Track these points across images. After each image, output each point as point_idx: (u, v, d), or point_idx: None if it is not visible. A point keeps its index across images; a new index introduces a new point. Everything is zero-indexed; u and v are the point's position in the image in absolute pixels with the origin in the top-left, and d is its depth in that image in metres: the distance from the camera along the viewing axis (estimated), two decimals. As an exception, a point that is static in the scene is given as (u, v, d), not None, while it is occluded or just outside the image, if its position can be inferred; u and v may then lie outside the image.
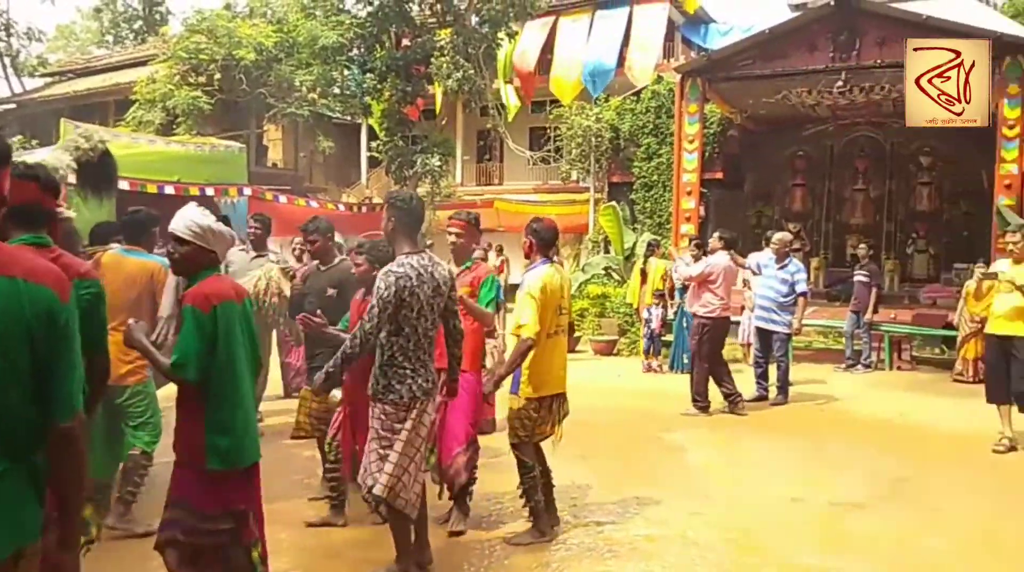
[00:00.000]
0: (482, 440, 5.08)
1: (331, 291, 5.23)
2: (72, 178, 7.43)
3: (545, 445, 6.48)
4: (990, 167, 12.13)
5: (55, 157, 6.79)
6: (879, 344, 11.21)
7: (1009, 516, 5.11)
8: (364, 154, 25.08)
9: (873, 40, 12.13)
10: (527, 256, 4.67)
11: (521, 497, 4.64)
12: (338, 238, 6.15)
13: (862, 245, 12.08)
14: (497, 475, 5.28)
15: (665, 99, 17.03)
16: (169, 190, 15.63)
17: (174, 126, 19.26)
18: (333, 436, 4.69)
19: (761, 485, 5.72)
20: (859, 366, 10.79)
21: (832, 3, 12.32)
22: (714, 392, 8.11)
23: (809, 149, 17.07)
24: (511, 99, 22.86)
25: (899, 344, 11.27)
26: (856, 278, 11.35)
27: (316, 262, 5.54)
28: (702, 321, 8.07)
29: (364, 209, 18.37)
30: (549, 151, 22.44)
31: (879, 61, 12.19)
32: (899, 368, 11.02)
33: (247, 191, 17.37)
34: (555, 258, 4.74)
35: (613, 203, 15.59)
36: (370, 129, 23.53)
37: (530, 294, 4.36)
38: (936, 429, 7.46)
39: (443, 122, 22.71)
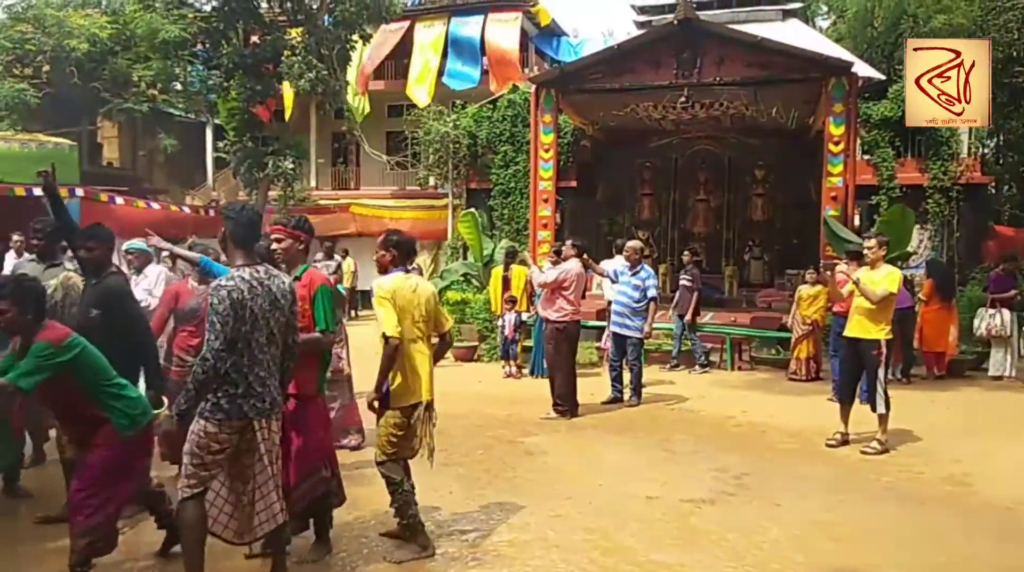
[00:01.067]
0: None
1: (94, 311, 4.78)
2: None
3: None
4: (817, 181, 13.14)
5: None
6: (721, 345, 11.86)
7: (843, 505, 5.52)
8: (210, 154, 24.00)
9: (713, 59, 12.84)
10: (384, 269, 4.57)
11: (395, 516, 4.51)
12: (195, 239, 5.85)
13: (686, 252, 12.76)
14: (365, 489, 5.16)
15: (521, 108, 17.35)
16: (-14, 191, 14.40)
17: (-4, 122, 17.69)
18: None
19: (619, 485, 5.90)
20: (696, 367, 11.34)
21: (676, 23, 12.95)
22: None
23: (656, 160, 17.88)
24: (358, 101, 22.58)
25: (739, 345, 11.96)
26: (681, 282, 11.96)
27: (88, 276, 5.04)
28: (555, 326, 8.25)
29: (211, 212, 17.57)
30: (406, 156, 22.30)
31: (718, 79, 12.92)
32: (740, 368, 11.70)
33: (79, 192, 16.26)
34: (411, 267, 4.72)
35: (472, 210, 15.68)
36: (216, 128, 22.56)
37: (380, 297, 4.36)
38: (774, 425, 7.96)
39: (293, 124, 22.08)
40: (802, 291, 10.81)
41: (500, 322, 11.24)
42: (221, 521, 3.72)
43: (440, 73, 22.82)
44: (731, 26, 14.03)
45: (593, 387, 9.25)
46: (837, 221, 12.02)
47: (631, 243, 9.22)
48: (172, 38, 17.01)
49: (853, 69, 12.59)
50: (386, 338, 4.26)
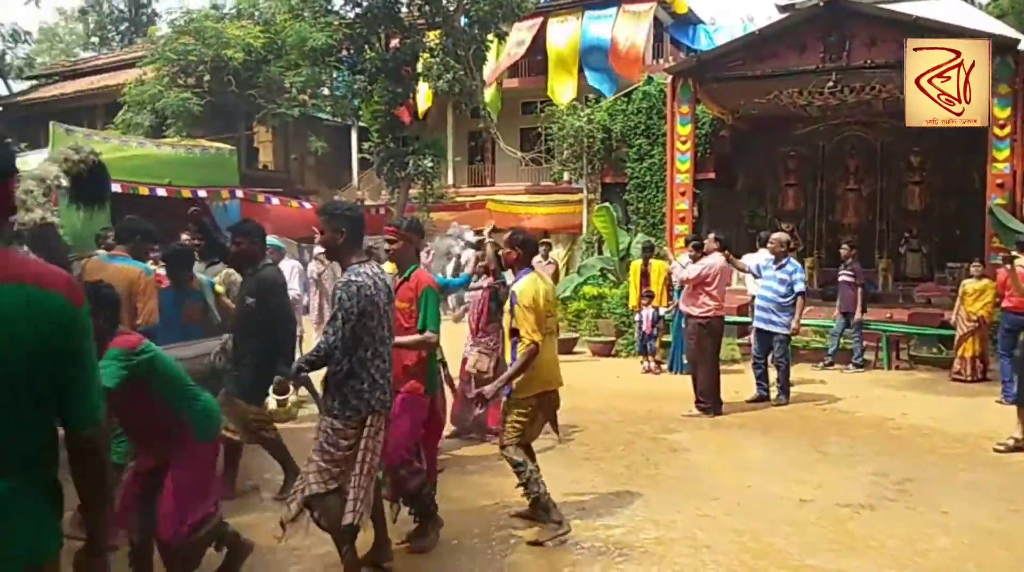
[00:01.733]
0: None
1: (249, 300, 5.01)
2: (64, 183, 7.36)
3: (546, 442, 6.52)
4: (981, 166, 12.20)
5: (44, 169, 6.70)
6: (877, 343, 11.24)
7: (1017, 516, 5.11)
8: (355, 156, 25.02)
9: (863, 41, 12.18)
10: (510, 266, 4.83)
11: (524, 496, 4.65)
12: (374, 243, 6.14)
13: (844, 245, 12.08)
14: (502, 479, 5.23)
15: (656, 100, 17.05)
16: (161, 192, 15.64)
17: (164, 128, 19.12)
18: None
19: (768, 486, 5.70)
20: (850, 366, 10.80)
21: (821, 4, 12.36)
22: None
23: (801, 148, 17.13)
24: (489, 95, 22.83)
25: (897, 343, 11.29)
26: (841, 278, 11.35)
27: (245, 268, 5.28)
28: (699, 321, 8.07)
29: (356, 211, 18.28)
30: (540, 152, 22.43)
31: (869, 61, 12.25)
32: (897, 367, 11.05)
33: (239, 193, 17.39)
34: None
35: (607, 204, 15.58)
36: (361, 130, 23.47)
37: (524, 306, 4.52)
38: (938, 428, 7.47)
39: (431, 123, 22.62)
40: (967, 285, 10.05)
41: (638, 317, 11.12)
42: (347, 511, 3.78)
43: (579, 69, 22.77)
44: (881, 6, 13.24)
45: (737, 384, 8.98)
46: (1004, 210, 11.12)
47: (776, 235, 8.89)
48: (319, 45, 17.82)
49: (1020, 47, 11.60)
50: (526, 342, 4.47)
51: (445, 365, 5.49)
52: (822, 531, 4.82)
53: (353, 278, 3.68)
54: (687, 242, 9.89)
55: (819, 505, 5.27)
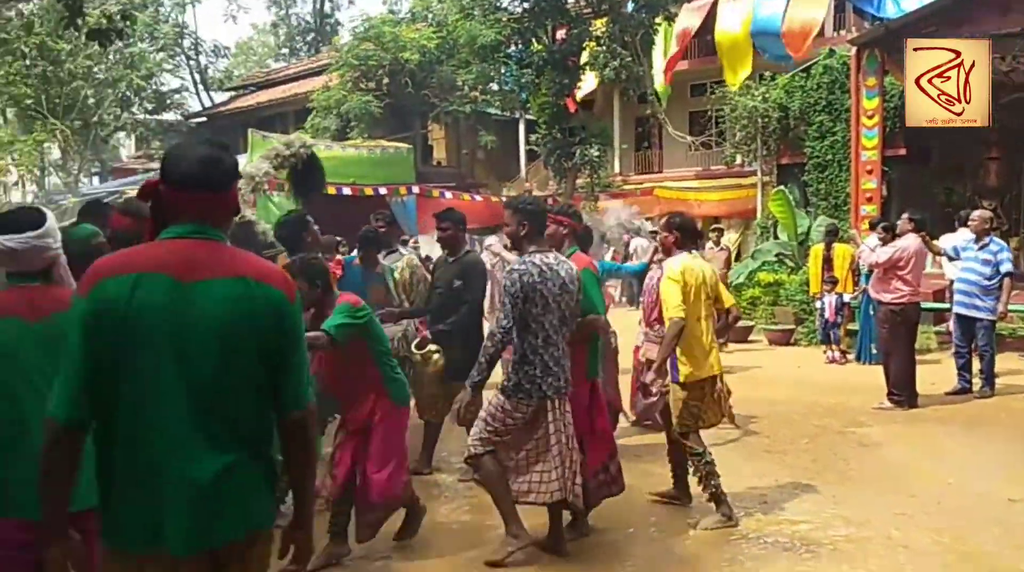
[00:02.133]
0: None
1: (457, 282, 5.39)
2: (267, 186, 7.99)
3: (724, 434, 6.40)
4: None
5: (255, 166, 7.32)
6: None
7: None
8: (523, 148, 25.44)
9: (1076, -2, 10.92)
10: (668, 250, 4.75)
11: (699, 485, 4.64)
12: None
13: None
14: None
15: (838, 73, 16.05)
16: (346, 191, 16.65)
17: (348, 130, 20.31)
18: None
19: (971, 484, 5.30)
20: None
21: (1029, -41, 11.20)
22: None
23: (1005, 118, 15.59)
24: (658, 81, 22.35)
25: (1122, 330, 10.10)
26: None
27: (445, 253, 5.66)
28: (890, 308, 7.58)
29: (525, 202, 18.65)
30: (711, 135, 21.81)
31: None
32: (1122, 357, 9.89)
33: (415, 189, 18.18)
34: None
35: (783, 187, 14.92)
36: (528, 123, 23.83)
37: (671, 278, 4.51)
38: None
39: (597, 111, 22.54)
40: None
41: (819, 304, 10.60)
42: (543, 488, 3.94)
43: (752, 48, 21.90)
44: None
45: (934, 376, 8.37)
46: None
47: (978, 213, 8.18)
48: (488, 42, 18.28)
49: None
50: (670, 317, 4.46)
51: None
52: (1036, 535, 4.44)
53: (516, 267, 3.91)
54: (872, 225, 9.29)
55: (1032, 507, 4.85)
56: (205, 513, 1.86)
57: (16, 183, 21.11)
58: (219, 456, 1.88)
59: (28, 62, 19.55)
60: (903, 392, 7.47)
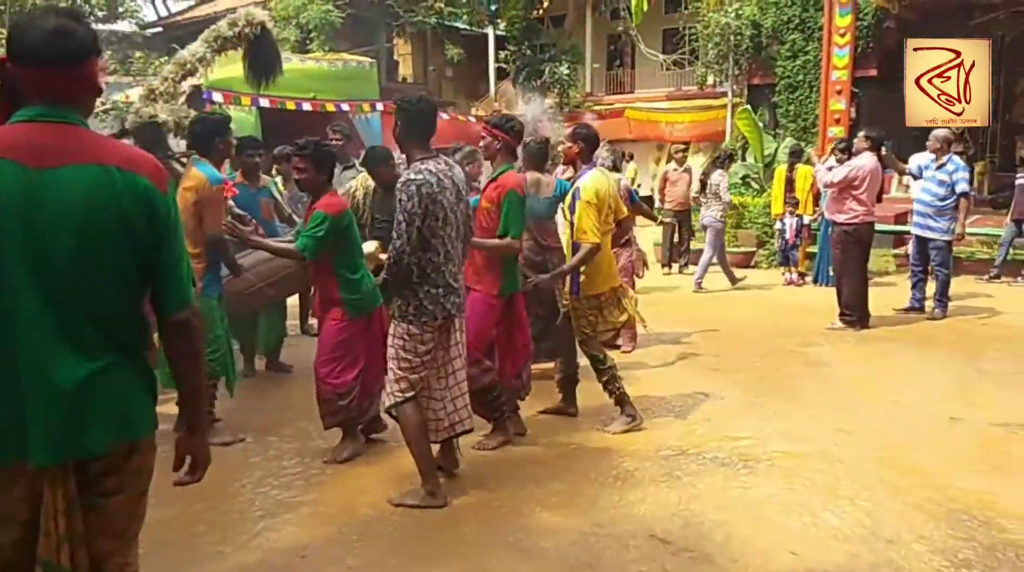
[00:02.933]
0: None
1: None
2: (200, 71, 7.29)
3: (675, 353, 6.36)
4: None
5: (188, 48, 6.67)
6: (1053, 255, 10.16)
7: None
8: (492, 65, 24.71)
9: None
10: (570, 162, 4.84)
11: (605, 389, 4.75)
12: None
13: (1022, 147, 10.81)
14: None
15: (814, -11, 15.67)
16: (306, 107, 16.11)
17: (308, 43, 19.53)
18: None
19: (915, 403, 5.30)
20: (1019, 278, 9.84)
21: None
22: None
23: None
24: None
25: (1076, 255, 10.16)
26: (1018, 182, 10.24)
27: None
28: (843, 229, 7.50)
29: (493, 121, 18.24)
30: (684, 54, 21.33)
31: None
32: (1075, 281, 9.97)
33: (379, 106, 17.63)
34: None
35: (747, 106, 14.65)
36: (498, 40, 23.12)
37: (587, 201, 4.49)
38: (1121, 347, 6.69)
39: (569, 28, 21.87)
40: None
41: (780, 226, 10.53)
42: (441, 422, 3.80)
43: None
44: None
45: (890, 298, 8.38)
46: None
47: (937, 132, 8.02)
48: (456, -51, 17.48)
49: None
50: (585, 240, 4.47)
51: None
52: (975, 451, 4.45)
53: (413, 177, 3.51)
54: (836, 146, 9.13)
55: (972, 424, 4.86)
56: (69, 421, 1.71)
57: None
58: (85, 359, 1.73)
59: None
60: (855, 312, 7.46)
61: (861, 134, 7.79)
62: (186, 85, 7.09)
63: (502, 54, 21.20)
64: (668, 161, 13.64)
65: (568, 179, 5.38)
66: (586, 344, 4.70)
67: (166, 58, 20.32)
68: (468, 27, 23.37)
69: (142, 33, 26.18)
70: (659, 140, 20.65)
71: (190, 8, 28.50)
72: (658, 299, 8.93)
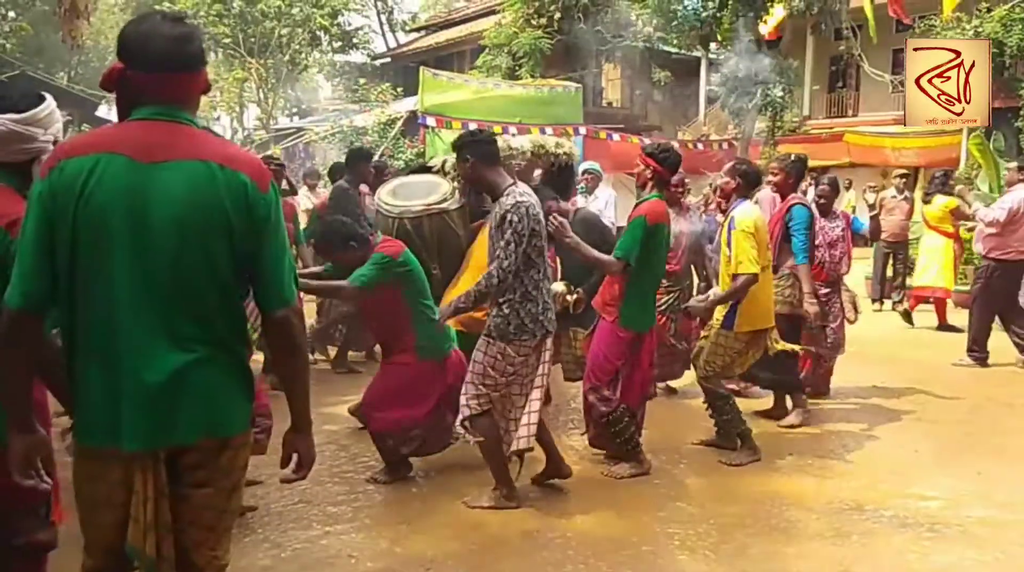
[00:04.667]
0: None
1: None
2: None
3: (870, 393, 5.83)
4: None
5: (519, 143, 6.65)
6: None
7: None
8: (703, 89, 24.19)
9: None
10: (726, 197, 4.69)
11: (724, 428, 4.64)
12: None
13: None
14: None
15: (1069, 2, 13.92)
16: (512, 131, 16.62)
17: (518, 69, 20.19)
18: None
19: None
20: None
21: None
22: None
23: None
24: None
25: None
26: None
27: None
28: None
29: (699, 146, 17.89)
30: (914, 76, 19.66)
31: None
32: None
33: (582, 130, 17.84)
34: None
35: (979, 131, 13.18)
36: (710, 63, 22.60)
37: (743, 231, 4.42)
38: None
39: (784, 49, 20.87)
40: None
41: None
42: (516, 435, 3.76)
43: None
44: None
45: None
46: None
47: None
48: (666, -28, 17.35)
49: None
50: (743, 271, 4.39)
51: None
52: None
53: (519, 199, 3.58)
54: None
55: None
56: (160, 410, 1.78)
57: (218, 118, 22.89)
58: (180, 351, 1.79)
59: (226, 2, 20.93)
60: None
61: (1013, 165, 7.30)
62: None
63: (714, 77, 20.66)
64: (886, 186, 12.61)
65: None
66: (709, 381, 4.59)
67: (388, 85, 21.85)
68: (678, 50, 23.07)
69: (373, 63, 28.35)
70: (883, 165, 19.17)
71: (414, 40, 30.49)
72: (864, 336, 8.20)
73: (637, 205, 4.28)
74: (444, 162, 5.27)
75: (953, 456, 4.79)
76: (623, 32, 20.61)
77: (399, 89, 18.80)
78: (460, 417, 3.75)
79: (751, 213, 4.55)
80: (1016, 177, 7.08)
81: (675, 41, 21.39)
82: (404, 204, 4.89)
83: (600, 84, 25.33)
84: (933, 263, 9.02)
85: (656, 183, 4.28)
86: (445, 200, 4.84)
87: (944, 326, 8.97)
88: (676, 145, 17.41)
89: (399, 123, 16.53)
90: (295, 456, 2.03)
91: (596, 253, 4.16)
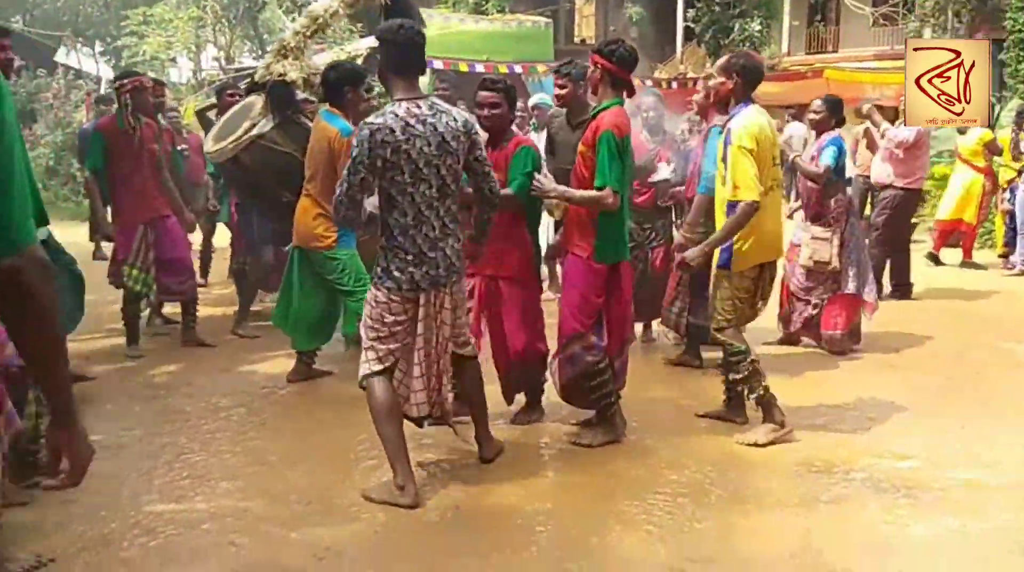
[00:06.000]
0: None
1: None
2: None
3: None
4: None
5: (325, 2, 6.30)
6: None
7: None
8: (680, 25, 23.34)
9: None
10: (721, 99, 4.01)
11: (741, 390, 3.89)
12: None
13: None
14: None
15: (1058, -76, 13.25)
16: (479, 68, 15.88)
17: (484, 3, 19.26)
18: None
19: None
20: None
21: None
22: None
23: None
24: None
25: None
26: None
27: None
28: None
29: (675, 84, 17.21)
30: (895, 6, 19.01)
31: None
32: None
33: (541, 68, 17.09)
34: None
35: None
36: (687, -1, 21.77)
37: (740, 147, 3.63)
38: None
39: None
40: None
41: (1006, 197, 8.94)
42: (411, 401, 3.23)
43: None
44: None
45: None
46: None
47: None
48: None
49: None
50: (742, 198, 3.63)
51: None
52: None
53: (370, 120, 3.04)
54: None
55: None
56: None
57: (173, 59, 21.84)
58: None
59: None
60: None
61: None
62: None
63: (690, 13, 19.87)
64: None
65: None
66: (723, 332, 3.84)
67: (346, 20, 20.82)
68: (655, -17, 22.17)
69: (337, 1, 27.15)
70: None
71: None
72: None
73: (594, 114, 3.61)
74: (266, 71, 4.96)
75: (933, 408, 4.35)
76: (595, -37, 19.70)
77: (359, 25, 17.83)
78: (360, 373, 3.23)
79: (753, 121, 3.70)
80: None
81: (652, -28, 20.54)
82: (220, 146, 4.71)
83: (572, 20, 24.38)
84: (960, 197, 8.77)
85: (612, 85, 3.57)
86: (254, 126, 4.62)
87: (968, 263, 8.72)
88: (650, 82, 16.72)
89: (359, 61, 15.70)
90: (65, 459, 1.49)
91: (585, 193, 3.56)
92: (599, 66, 3.55)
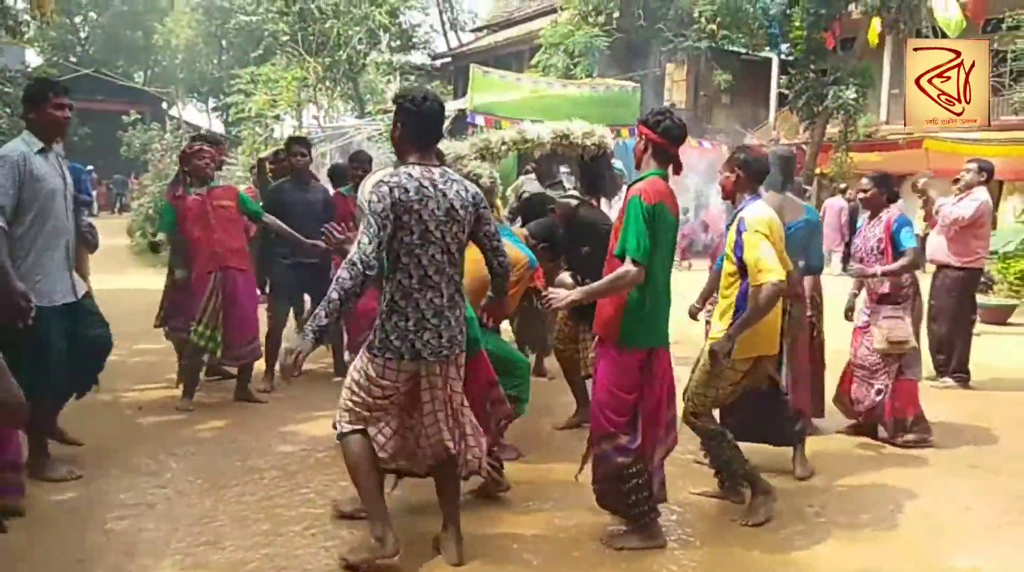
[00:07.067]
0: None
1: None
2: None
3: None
4: None
5: (538, 132, 6.32)
6: None
7: None
8: (774, 91, 23.05)
9: None
10: (728, 195, 3.82)
11: (718, 474, 3.89)
12: None
13: None
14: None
15: None
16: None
17: (573, 68, 19.54)
18: None
19: None
20: None
21: None
22: None
23: None
24: (951, 12, 18.89)
25: None
26: None
27: None
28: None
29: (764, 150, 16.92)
30: (1001, 78, 18.25)
31: None
32: None
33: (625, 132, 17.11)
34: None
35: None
36: (782, 64, 21.51)
37: (758, 231, 3.54)
38: None
39: (860, 50, 19.70)
40: None
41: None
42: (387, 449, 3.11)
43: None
44: None
45: None
46: None
47: None
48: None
49: None
50: (765, 280, 3.46)
51: None
52: None
53: (386, 179, 2.94)
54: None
55: None
56: None
57: (277, 116, 22.89)
58: None
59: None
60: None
61: (974, 165, 6.44)
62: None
63: (783, 79, 19.58)
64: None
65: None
66: (701, 418, 3.74)
67: (437, 83, 21.46)
68: (745, 51, 22.05)
69: (433, 63, 28.08)
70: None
71: (475, 40, 30.15)
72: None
73: (630, 186, 3.40)
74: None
75: (1015, 518, 3.94)
76: (685, 31, 19.73)
77: (450, 87, 18.39)
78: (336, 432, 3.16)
79: (764, 212, 3.66)
80: (976, 179, 6.31)
81: (742, 40, 20.44)
82: None
83: (663, 86, 24.45)
84: None
85: (654, 157, 3.36)
86: None
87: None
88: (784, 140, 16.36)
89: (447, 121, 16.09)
90: None
91: (603, 281, 3.30)
92: (643, 136, 3.38)
